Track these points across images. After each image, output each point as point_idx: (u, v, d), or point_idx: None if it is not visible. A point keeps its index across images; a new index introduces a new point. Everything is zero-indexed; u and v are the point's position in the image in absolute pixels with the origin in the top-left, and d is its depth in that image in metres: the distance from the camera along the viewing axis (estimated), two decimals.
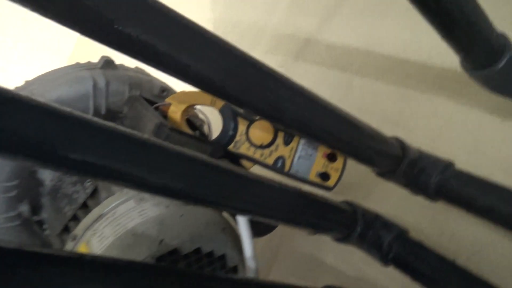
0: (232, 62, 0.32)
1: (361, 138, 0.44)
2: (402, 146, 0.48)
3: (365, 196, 0.65)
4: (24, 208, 0.55)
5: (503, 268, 0.52)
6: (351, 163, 0.49)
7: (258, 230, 0.53)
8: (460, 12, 0.37)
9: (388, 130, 0.49)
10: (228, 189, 0.36)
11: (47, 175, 0.55)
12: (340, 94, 0.75)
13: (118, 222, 0.41)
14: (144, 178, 0.29)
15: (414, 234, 0.50)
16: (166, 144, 0.30)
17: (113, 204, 0.43)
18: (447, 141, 0.60)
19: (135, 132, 0.28)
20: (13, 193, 0.53)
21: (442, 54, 0.63)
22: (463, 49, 0.42)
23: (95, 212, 0.43)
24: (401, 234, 0.48)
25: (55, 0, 0.23)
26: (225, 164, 0.36)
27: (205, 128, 0.60)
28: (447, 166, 0.47)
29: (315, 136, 0.42)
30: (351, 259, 0.65)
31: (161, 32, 0.27)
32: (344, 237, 0.48)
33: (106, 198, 0.44)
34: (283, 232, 0.79)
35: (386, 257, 0.47)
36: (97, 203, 0.44)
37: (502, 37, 0.43)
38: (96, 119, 0.26)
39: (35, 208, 0.57)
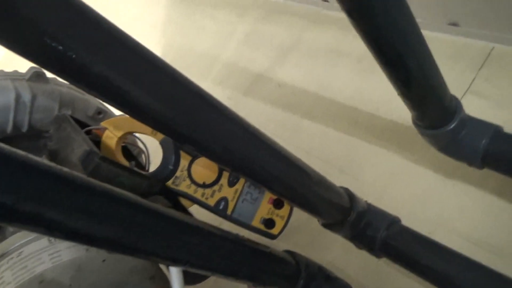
0: (177, 92, 0.28)
1: (309, 186, 0.42)
2: (351, 197, 0.46)
3: (308, 243, 0.62)
4: None
5: None
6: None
7: (190, 278, 0.48)
8: (420, 69, 0.37)
9: (334, 176, 0.47)
10: (161, 237, 0.31)
11: None
12: (287, 135, 0.74)
13: (23, 265, 0.34)
14: (56, 221, 0.23)
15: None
16: (89, 180, 0.25)
17: (21, 242, 0.36)
18: (392, 193, 0.60)
19: (49, 163, 0.23)
20: None
21: (391, 108, 0.64)
22: (418, 107, 0.42)
23: None
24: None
25: None
26: (158, 207, 0.31)
27: (143, 158, 0.54)
28: (393, 222, 0.45)
29: (260, 180, 0.39)
30: None
31: (98, 50, 0.22)
32: None
33: (13, 234, 0.37)
34: None
35: None
36: (2, 240, 0.37)
37: (455, 99, 0.43)
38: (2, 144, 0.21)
39: None
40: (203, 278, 0.49)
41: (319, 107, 0.73)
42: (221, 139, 0.32)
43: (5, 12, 0.18)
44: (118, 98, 0.25)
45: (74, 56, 0.20)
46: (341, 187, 0.47)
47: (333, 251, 0.60)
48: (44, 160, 0.23)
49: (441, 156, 0.50)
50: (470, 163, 0.45)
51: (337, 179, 0.48)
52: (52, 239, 0.36)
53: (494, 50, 0.58)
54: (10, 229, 0.38)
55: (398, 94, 0.40)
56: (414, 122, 0.46)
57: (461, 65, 0.60)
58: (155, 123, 0.29)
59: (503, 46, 0.58)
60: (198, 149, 0.32)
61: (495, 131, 0.43)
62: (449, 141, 0.45)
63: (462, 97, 0.59)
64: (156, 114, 0.27)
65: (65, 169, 0.23)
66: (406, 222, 0.48)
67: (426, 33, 0.35)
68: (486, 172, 0.47)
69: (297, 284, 0.44)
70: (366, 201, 0.48)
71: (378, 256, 0.46)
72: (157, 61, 0.26)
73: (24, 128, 0.48)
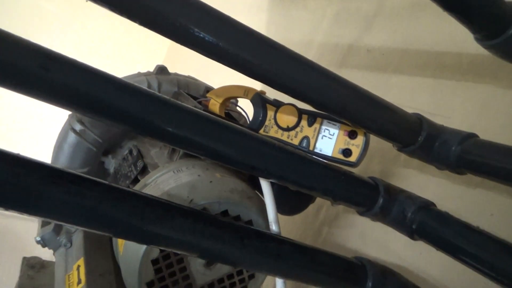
0: (269, 52, 0.40)
1: (377, 112, 0.47)
2: (421, 119, 0.49)
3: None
4: None
5: None
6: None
7: (289, 207, 0.57)
8: None
9: None
10: (262, 155, 0.42)
11: (111, 165, 0.65)
12: (381, 93, 0.77)
13: (158, 187, 0.48)
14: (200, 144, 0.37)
15: None
16: (211, 116, 0.38)
17: (156, 175, 0.50)
18: (485, 124, 0.59)
19: (192, 107, 0.37)
20: None
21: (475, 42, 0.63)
22: (470, 20, 0.44)
23: (141, 182, 0.51)
24: (425, 206, 0.48)
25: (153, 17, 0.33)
26: (259, 135, 0.43)
27: (243, 121, 0.66)
28: (468, 137, 0.47)
29: (334, 112, 0.47)
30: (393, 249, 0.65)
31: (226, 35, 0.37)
32: (366, 210, 0.50)
33: (152, 170, 0.52)
34: (329, 230, 0.81)
35: (410, 228, 0.48)
36: (146, 174, 0.52)
37: (510, 4, 0.44)
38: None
39: None
40: (299, 209, 0.58)
41: (406, 62, 0.75)
42: (304, 82, 0.43)
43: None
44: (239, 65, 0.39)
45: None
46: (412, 113, 0.50)
47: (428, 190, 0.62)
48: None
49: None
50: None
51: None
52: (176, 170, 0.50)
53: None
54: (150, 171, 0.53)
55: (445, 10, 0.43)
56: (476, 38, 0.47)
57: None
58: (258, 77, 0.41)
59: None
60: (285, 90, 0.43)
61: None
62: None
63: None
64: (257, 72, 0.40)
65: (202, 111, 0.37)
66: None
67: None
68: None
69: (377, 203, 0.49)
70: (441, 125, 0.50)
71: (459, 172, 0.48)
72: (256, 34, 0.39)
73: None
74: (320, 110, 0.52)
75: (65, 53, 0.32)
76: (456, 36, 0.67)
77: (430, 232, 0.47)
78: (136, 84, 0.63)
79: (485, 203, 0.55)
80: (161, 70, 0.66)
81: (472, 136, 0.48)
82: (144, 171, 0.54)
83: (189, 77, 0.71)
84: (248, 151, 0.42)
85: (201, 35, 0.36)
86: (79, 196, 0.31)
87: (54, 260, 0.61)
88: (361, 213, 0.51)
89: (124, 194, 0.34)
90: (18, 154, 0.30)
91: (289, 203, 0.55)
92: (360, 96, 0.47)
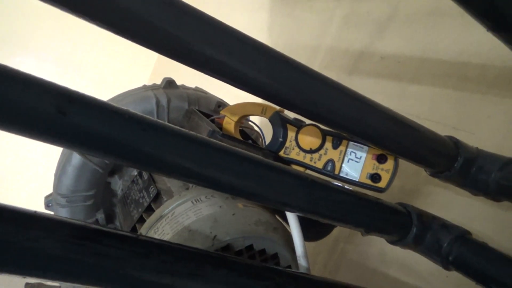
0: (285, 70, 0.36)
1: (410, 136, 0.44)
2: (456, 144, 0.46)
3: (426, 205, 0.63)
4: (100, 216, 0.61)
5: None
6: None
7: (313, 233, 0.54)
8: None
9: (449, 134, 0.48)
10: (287, 188, 0.38)
11: (119, 186, 0.61)
12: (394, 103, 0.74)
13: (176, 220, 0.44)
14: (214, 177, 0.33)
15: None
16: (228, 147, 0.34)
17: (173, 206, 0.47)
18: None
19: (207, 138, 0.33)
20: (90, 202, 0.59)
21: (502, 55, 0.61)
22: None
23: (157, 213, 0.47)
24: (462, 236, 0.45)
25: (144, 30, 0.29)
26: (281, 165, 0.39)
27: (260, 141, 0.63)
28: (508, 162, 0.44)
29: (364, 137, 0.43)
30: (414, 268, 0.63)
31: (227, 49, 0.32)
32: (398, 239, 0.47)
33: (167, 200, 0.48)
34: (345, 246, 0.78)
35: (446, 260, 0.45)
36: (159, 206, 0.48)
37: None
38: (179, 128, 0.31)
39: (110, 217, 0.63)
40: (322, 235, 0.54)
41: (425, 71, 0.72)
42: (323, 101, 0.39)
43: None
44: (243, 82, 0.34)
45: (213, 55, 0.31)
46: (446, 136, 0.47)
47: (453, 209, 0.59)
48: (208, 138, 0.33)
49: None
50: None
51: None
52: (195, 200, 0.46)
53: None
54: (164, 198, 0.50)
55: (488, 30, 0.40)
56: None
57: None
58: (272, 98, 0.37)
59: None
60: (307, 114, 0.39)
61: None
62: None
63: None
64: (271, 92, 0.35)
65: (220, 143, 0.33)
66: None
67: None
68: None
69: (410, 233, 0.46)
70: (476, 147, 0.47)
71: (496, 199, 0.45)
72: (269, 49, 0.34)
73: None
74: (349, 137, 0.49)
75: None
76: (480, 46, 0.64)
77: (468, 265, 0.44)
78: (143, 100, 0.59)
79: None
80: (169, 83, 0.62)
81: (511, 162, 0.45)
82: (157, 198, 0.51)
83: (198, 89, 0.67)
84: (273, 185, 0.38)
85: (203, 51, 0.31)
86: (103, 257, 0.27)
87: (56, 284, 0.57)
88: (392, 243, 0.48)
89: (152, 248, 0.30)
90: (35, 211, 0.26)
91: (313, 230, 0.52)
92: (391, 120, 0.43)
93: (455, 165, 0.45)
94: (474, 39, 0.66)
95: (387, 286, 0.66)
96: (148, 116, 0.31)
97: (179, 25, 0.30)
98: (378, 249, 0.70)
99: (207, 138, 0.34)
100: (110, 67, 2.01)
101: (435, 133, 0.46)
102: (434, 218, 0.48)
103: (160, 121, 0.32)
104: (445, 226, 0.47)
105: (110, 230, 0.29)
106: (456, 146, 0.46)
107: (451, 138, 0.47)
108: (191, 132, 0.33)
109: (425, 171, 0.48)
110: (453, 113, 0.65)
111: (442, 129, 0.65)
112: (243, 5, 1.36)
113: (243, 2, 1.41)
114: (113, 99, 0.60)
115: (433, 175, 0.48)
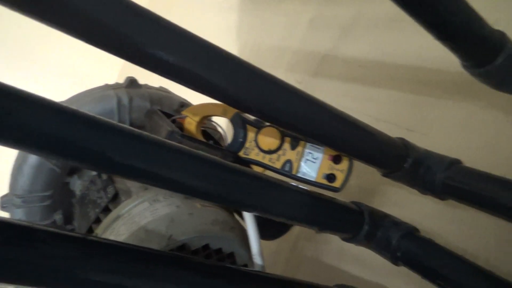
0: (244, 75, 0.37)
1: (362, 139, 0.46)
2: (406, 145, 0.48)
3: (381, 203, 0.65)
4: (58, 217, 0.60)
5: None
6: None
7: (272, 232, 0.55)
8: (451, 13, 0.39)
9: (403, 135, 0.50)
10: (243, 188, 0.39)
11: (78, 186, 0.61)
12: (356, 106, 0.77)
13: (133, 220, 0.44)
14: (165, 177, 0.33)
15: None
16: (184, 147, 0.35)
17: (130, 206, 0.47)
18: (462, 143, 0.59)
19: (162, 139, 0.33)
20: (47, 203, 0.58)
21: (454, 60, 0.63)
22: (457, 47, 0.43)
23: (113, 214, 0.47)
24: (410, 232, 0.48)
25: (98, 32, 0.29)
26: (238, 166, 0.39)
27: (223, 142, 0.63)
28: (452, 163, 0.47)
29: (319, 139, 0.45)
30: (370, 264, 0.65)
31: (186, 53, 0.32)
32: (351, 237, 0.48)
33: (124, 201, 0.48)
34: (305, 244, 0.80)
35: (395, 255, 0.47)
36: (117, 206, 0.48)
37: (499, 34, 0.43)
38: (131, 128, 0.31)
39: (68, 218, 0.62)
40: (281, 233, 0.56)
41: (385, 74, 0.75)
42: (281, 105, 0.40)
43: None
44: (202, 86, 0.35)
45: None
46: (397, 137, 0.49)
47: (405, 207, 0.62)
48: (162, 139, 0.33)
49: (509, 98, 0.49)
50: None
51: (406, 138, 0.51)
52: (152, 201, 0.46)
53: None
54: (123, 198, 0.50)
55: (435, 39, 0.42)
56: (462, 65, 0.46)
57: None
58: (231, 101, 0.37)
59: None
60: (265, 117, 0.40)
61: None
62: (502, 76, 0.45)
63: None
64: (231, 96, 0.36)
65: (176, 143, 0.33)
66: (478, 168, 0.48)
67: None
68: None
69: (362, 230, 0.48)
70: (425, 149, 0.50)
71: (442, 198, 0.48)
72: (228, 55, 0.35)
73: (127, 125, 0.60)
74: (301, 137, 0.51)
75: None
76: (436, 52, 0.67)
77: (415, 260, 0.46)
78: (104, 99, 0.59)
79: (463, 224, 0.56)
80: (132, 82, 0.62)
81: (456, 162, 0.47)
82: (115, 198, 0.50)
83: (161, 89, 0.67)
84: (229, 186, 0.38)
85: (159, 54, 0.31)
86: (53, 258, 0.28)
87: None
88: (346, 240, 0.50)
89: (101, 249, 0.30)
90: None
91: (272, 228, 0.53)
92: (345, 123, 0.45)
93: (405, 165, 0.47)
94: (430, 45, 0.69)
95: (345, 281, 0.68)
96: (97, 116, 0.31)
97: (141, 32, 0.30)
98: (337, 246, 0.72)
99: (159, 138, 0.34)
100: (75, 66, 1.96)
101: (386, 136, 0.48)
102: (385, 216, 0.50)
103: (110, 120, 0.32)
104: (395, 223, 0.49)
105: (63, 232, 0.29)
106: (405, 147, 0.48)
107: (401, 139, 0.49)
108: (141, 131, 0.33)
109: (378, 171, 0.50)
110: (409, 115, 0.68)
111: (398, 131, 0.68)
112: (212, 5, 1.36)
113: (212, 2, 1.41)
114: (72, 98, 0.59)
115: (385, 175, 0.50)
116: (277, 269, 0.78)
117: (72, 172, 0.61)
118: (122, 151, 0.31)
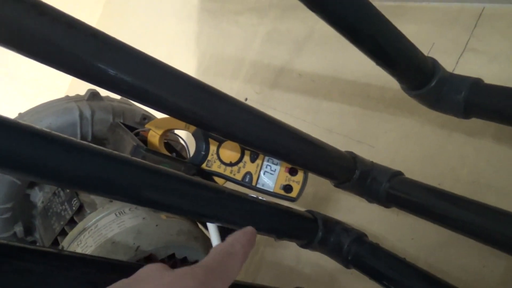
0: (200, 94, 0.39)
1: (314, 153, 0.50)
2: (354, 158, 0.53)
3: (334, 211, 0.70)
4: (19, 229, 0.60)
5: (458, 266, 0.57)
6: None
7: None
8: (387, 43, 0.44)
9: (353, 147, 0.55)
10: (205, 201, 0.41)
11: (39, 198, 0.61)
12: (310, 117, 0.82)
13: (99, 233, 0.46)
14: (133, 193, 0.35)
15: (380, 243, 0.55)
16: (145, 162, 0.36)
17: (96, 218, 0.48)
18: (404, 155, 0.66)
19: (122, 155, 0.34)
20: (7, 215, 0.58)
21: None
22: (395, 72, 0.49)
23: (80, 226, 0.48)
24: (358, 238, 0.53)
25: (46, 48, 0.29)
26: (200, 179, 0.42)
27: (185, 153, 0.66)
28: (395, 175, 0.52)
29: (276, 154, 0.49)
30: (325, 267, 0.70)
31: (147, 77, 0.34)
32: (306, 243, 0.53)
33: (90, 213, 0.50)
34: (265, 249, 0.83)
35: (346, 259, 0.52)
36: (82, 218, 0.49)
37: (431, 61, 0.49)
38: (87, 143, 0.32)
39: (29, 229, 0.62)
40: None
41: (335, 89, 0.80)
42: (239, 125, 0.43)
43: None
44: (159, 104, 0.36)
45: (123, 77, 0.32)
46: (346, 151, 0.54)
47: (356, 213, 0.67)
48: (123, 154, 0.34)
49: (444, 115, 0.56)
50: (456, 115, 0.50)
51: (356, 149, 0.56)
52: (118, 213, 0.48)
53: (484, 11, 0.62)
54: (88, 210, 0.51)
55: (375, 64, 0.47)
56: (402, 88, 0.52)
57: (457, 28, 0.65)
58: (188, 119, 0.40)
59: (492, 5, 0.62)
60: (224, 135, 0.43)
61: (473, 84, 0.48)
62: (434, 98, 0.51)
63: (461, 55, 0.64)
64: (187, 112, 0.38)
65: (134, 158, 0.35)
66: (418, 177, 0.54)
67: (423, 4, 0.42)
68: (486, 122, 0.52)
69: (316, 237, 0.52)
70: (371, 161, 0.55)
71: (386, 206, 0.53)
72: (183, 75, 0.37)
73: (89, 138, 0.61)
74: (257, 152, 0.54)
75: None
76: (379, 70, 0.73)
77: (363, 263, 0.51)
78: (66, 111, 0.59)
79: (406, 228, 0.62)
80: (93, 95, 0.63)
81: (398, 174, 0.53)
82: (80, 210, 0.51)
83: (123, 101, 0.68)
84: (192, 199, 0.41)
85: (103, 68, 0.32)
86: (24, 273, 0.29)
87: None
88: (302, 246, 0.54)
89: (73, 260, 0.32)
90: None
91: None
92: (297, 139, 0.48)
93: (353, 177, 0.52)
94: (374, 64, 0.75)
95: (302, 284, 0.72)
96: (53, 132, 0.31)
97: (101, 55, 0.32)
98: (294, 251, 0.76)
99: (122, 154, 0.35)
100: (23, 71, 1.88)
101: (336, 150, 0.52)
102: (337, 222, 0.55)
103: (67, 136, 0.32)
104: (346, 229, 0.54)
105: (32, 247, 0.30)
106: (354, 160, 0.53)
107: (350, 153, 0.54)
108: (103, 148, 0.34)
109: (330, 182, 0.55)
110: (358, 128, 0.73)
111: (348, 142, 0.73)
112: (170, 14, 1.37)
113: (170, 10, 1.42)
114: (31, 110, 0.59)
115: (336, 185, 0.55)
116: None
117: (33, 184, 0.61)
118: (82, 168, 0.32)
